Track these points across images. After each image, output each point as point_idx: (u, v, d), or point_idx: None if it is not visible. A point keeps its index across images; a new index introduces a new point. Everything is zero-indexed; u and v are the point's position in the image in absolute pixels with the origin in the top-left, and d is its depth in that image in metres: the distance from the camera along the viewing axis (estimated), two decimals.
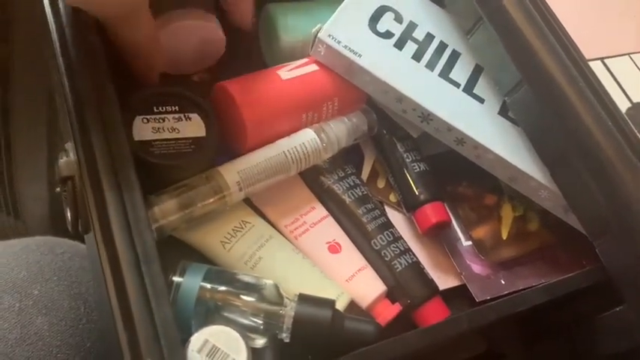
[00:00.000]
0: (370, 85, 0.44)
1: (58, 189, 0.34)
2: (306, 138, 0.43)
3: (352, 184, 0.45)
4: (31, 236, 0.50)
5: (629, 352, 0.38)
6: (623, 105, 0.37)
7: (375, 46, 0.44)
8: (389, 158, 0.47)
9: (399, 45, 0.44)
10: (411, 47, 0.44)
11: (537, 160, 0.41)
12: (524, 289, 0.41)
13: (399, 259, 0.43)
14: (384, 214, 0.45)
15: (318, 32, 0.44)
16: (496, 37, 0.40)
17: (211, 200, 0.39)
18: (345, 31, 0.44)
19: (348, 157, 0.47)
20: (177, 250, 0.41)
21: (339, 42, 0.43)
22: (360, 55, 0.43)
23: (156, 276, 0.31)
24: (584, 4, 0.42)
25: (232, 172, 0.40)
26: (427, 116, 0.43)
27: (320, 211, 0.44)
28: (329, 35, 0.43)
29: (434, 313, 0.42)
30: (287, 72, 0.44)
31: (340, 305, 0.40)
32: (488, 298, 0.43)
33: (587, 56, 0.38)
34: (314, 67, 0.45)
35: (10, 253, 0.47)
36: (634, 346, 0.37)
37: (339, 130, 0.44)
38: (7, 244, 0.49)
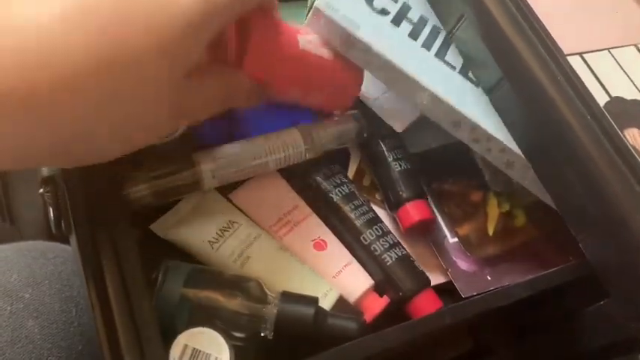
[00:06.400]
0: (366, 59, 0.42)
1: (40, 190, 0.34)
2: (290, 137, 0.43)
3: (339, 182, 0.46)
4: (26, 241, 0.51)
5: (614, 344, 0.38)
6: (601, 99, 0.37)
7: (372, 20, 0.42)
8: (372, 156, 0.47)
9: (396, 22, 0.43)
10: (407, 26, 0.43)
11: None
12: (509, 285, 0.41)
13: (388, 253, 0.43)
14: (371, 210, 0.46)
15: (314, 1, 0.42)
16: (477, 35, 0.40)
17: (186, 182, 0.39)
18: (343, 2, 0.42)
19: (335, 155, 0.48)
20: (163, 250, 0.41)
21: (337, 11, 0.41)
22: (358, 27, 0.41)
23: (137, 275, 0.31)
24: None
25: (209, 161, 0.40)
26: (423, 92, 0.42)
27: (303, 209, 0.45)
28: (327, 4, 0.41)
29: (426, 304, 0.42)
30: (305, 42, 0.42)
31: (329, 301, 0.40)
32: (475, 294, 0.43)
33: (565, 51, 0.38)
34: (324, 51, 0.43)
35: (1, 258, 0.47)
36: (619, 339, 0.38)
37: (328, 134, 0.44)
38: None
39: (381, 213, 0.47)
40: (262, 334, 0.37)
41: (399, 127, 0.46)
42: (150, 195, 0.37)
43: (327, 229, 0.44)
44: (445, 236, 0.46)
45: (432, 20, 0.45)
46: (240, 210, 0.44)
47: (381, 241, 0.44)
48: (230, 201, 0.44)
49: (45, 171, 0.33)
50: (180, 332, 0.34)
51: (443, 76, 0.42)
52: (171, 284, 0.36)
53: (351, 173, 0.48)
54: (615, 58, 0.40)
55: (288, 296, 0.38)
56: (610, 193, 0.35)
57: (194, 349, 0.33)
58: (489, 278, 0.44)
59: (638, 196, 0.34)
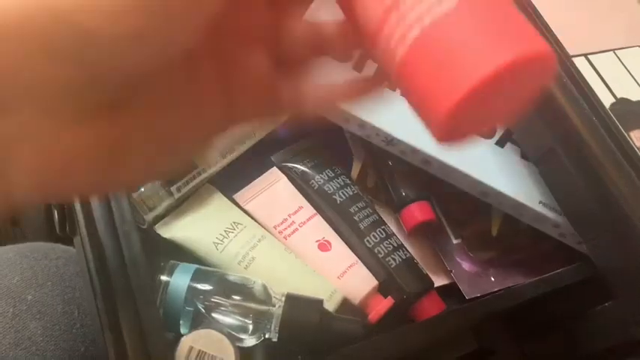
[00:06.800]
0: (329, 112, 0.43)
1: None
2: None
3: (342, 183, 0.46)
4: (29, 242, 0.51)
5: (619, 346, 0.38)
6: (607, 100, 0.37)
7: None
8: (375, 158, 0.47)
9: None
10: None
11: (502, 174, 0.42)
12: (513, 286, 0.41)
13: (392, 255, 0.43)
14: (375, 211, 0.46)
15: None
16: None
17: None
18: None
19: (338, 157, 0.48)
20: (168, 252, 0.41)
21: None
22: None
23: (142, 277, 0.31)
24: (568, 0, 0.42)
25: None
26: (390, 140, 0.43)
27: (308, 210, 0.45)
28: None
29: (430, 307, 0.42)
30: None
31: (333, 303, 0.40)
32: (478, 295, 0.43)
33: (571, 52, 0.38)
34: None
35: (3, 260, 0.47)
36: (624, 340, 0.38)
37: None
38: (1, 250, 0.49)
39: (385, 214, 0.47)
40: (267, 336, 0.37)
41: None
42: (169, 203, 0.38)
43: (331, 230, 0.44)
44: (449, 237, 0.46)
45: None
46: (245, 211, 0.44)
47: (385, 243, 0.44)
48: (234, 202, 0.44)
49: None
50: (185, 333, 0.34)
51: (409, 118, 0.42)
52: (176, 285, 0.36)
53: (354, 175, 0.48)
54: (620, 60, 0.40)
55: (292, 298, 0.37)
56: (616, 195, 0.35)
57: (199, 350, 0.33)
58: (493, 279, 0.44)
59: None
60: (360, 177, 0.48)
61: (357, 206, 0.45)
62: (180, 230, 0.42)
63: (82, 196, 0.21)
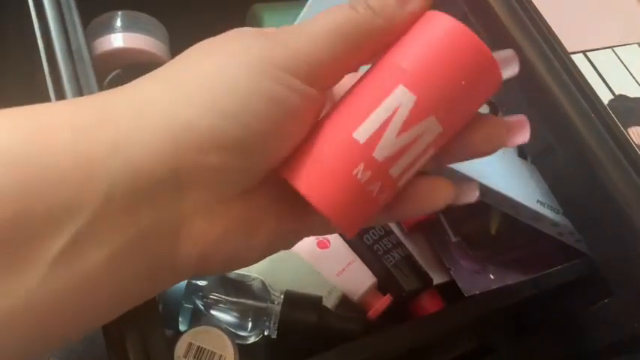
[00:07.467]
0: None
1: None
2: None
3: None
4: None
5: (617, 343, 0.38)
6: (605, 97, 0.37)
7: None
8: None
9: None
10: None
11: (499, 173, 0.42)
12: (512, 284, 0.41)
13: (391, 253, 0.43)
14: None
15: None
16: (480, 31, 0.40)
17: None
18: None
19: None
20: None
21: None
22: None
23: None
24: None
25: None
26: None
27: None
28: None
29: (429, 304, 0.42)
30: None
31: (332, 300, 0.40)
32: (477, 293, 0.43)
33: (569, 49, 0.38)
34: None
35: None
36: (623, 338, 0.38)
37: None
38: None
39: None
40: (266, 333, 0.37)
41: None
42: None
43: None
44: (448, 235, 0.46)
45: None
46: None
47: (383, 241, 0.44)
48: None
49: None
50: (184, 330, 0.34)
51: None
52: None
53: None
54: (619, 57, 0.40)
55: (291, 295, 0.37)
56: (614, 192, 0.35)
57: (199, 347, 0.33)
58: (492, 277, 0.44)
59: None
60: None
61: None
62: None
63: (219, 269, 0.26)
